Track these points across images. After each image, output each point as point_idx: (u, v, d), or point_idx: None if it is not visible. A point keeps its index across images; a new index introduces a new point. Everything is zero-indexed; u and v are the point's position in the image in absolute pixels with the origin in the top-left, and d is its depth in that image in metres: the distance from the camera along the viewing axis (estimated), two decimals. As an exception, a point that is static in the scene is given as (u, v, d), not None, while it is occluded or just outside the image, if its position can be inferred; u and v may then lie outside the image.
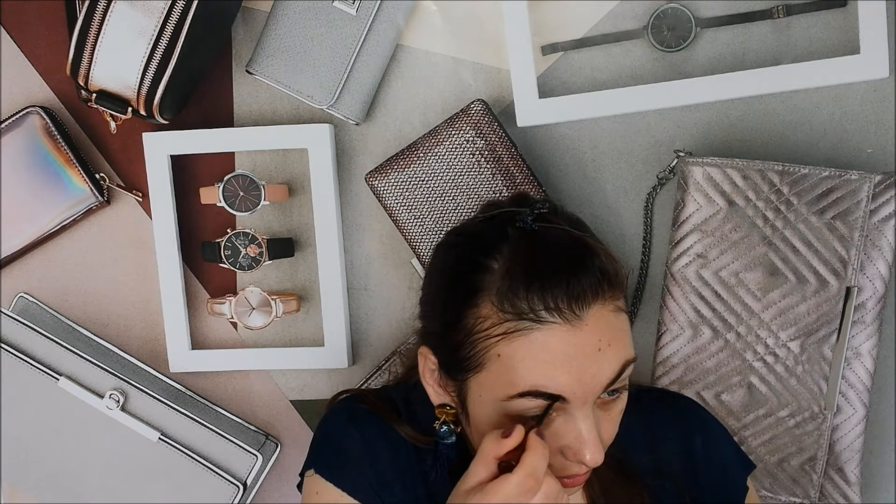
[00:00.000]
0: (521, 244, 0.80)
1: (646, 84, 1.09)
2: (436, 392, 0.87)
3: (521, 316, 0.77)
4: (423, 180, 1.11)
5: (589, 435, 0.79)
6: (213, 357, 1.19)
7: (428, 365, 0.86)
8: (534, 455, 0.76)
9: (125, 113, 1.06)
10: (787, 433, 1.09)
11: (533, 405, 0.78)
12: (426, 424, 0.89)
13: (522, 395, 0.78)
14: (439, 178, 1.11)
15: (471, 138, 1.10)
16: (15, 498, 1.20)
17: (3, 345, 1.12)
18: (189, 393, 1.18)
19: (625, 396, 0.83)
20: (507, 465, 0.78)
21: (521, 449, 0.77)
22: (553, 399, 0.78)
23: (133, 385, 1.13)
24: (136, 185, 1.19)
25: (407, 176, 1.11)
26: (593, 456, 0.79)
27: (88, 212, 1.17)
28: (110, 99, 1.06)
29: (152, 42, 1.03)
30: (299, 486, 0.93)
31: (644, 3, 1.11)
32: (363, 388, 1.14)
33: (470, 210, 1.11)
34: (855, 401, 1.08)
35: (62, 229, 1.18)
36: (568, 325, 0.77)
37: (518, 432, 0.77)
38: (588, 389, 0.78)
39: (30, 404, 1.13)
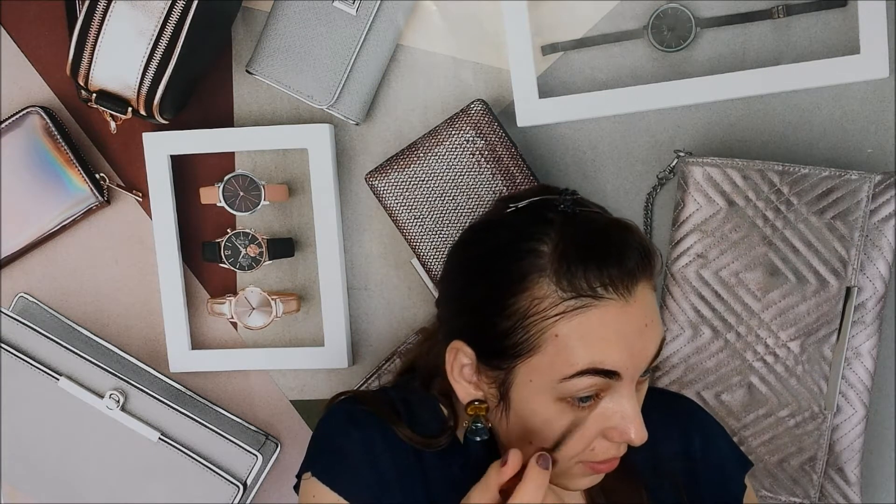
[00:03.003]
0: (567, 226, 0.82)
1: (646, 84, 1.09)
2: (465, 389, 0.86)
3: (581, 293, 0.79)
4: (423, 180, 1.11)
5: (634, 413, 0.81)
6: (213, 357, 1.19)
7: (460, 360, 0.85)
8: (527, 488, 0.77)
9: (125, 113, 1.06)
10: (787, 433, 1.09)
11: (587, 384, 0.80)
12: (425, 426, 0.89)
13: (581, 373, 0.79)
14: (439, 178, 1.11)
15: (471, 138, 1.10)
16: (15, 498, 1.20)
17: (3, 345, 1.12)
18: (189, 393, 1.18)
19: (649, 377, 0.86)
20: (507, 493, 0.78)
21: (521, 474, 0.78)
22: (609, 376, 0.79)
23: (133, 385, 1.13)
24: (136, 185, 1.19)
25: (407, 176, 1.11)
26: (638, 433, 0.81)
27: (88, 212, 1.17)
28: (110, 99, 1.06)
29: (152, 42, 1.03)
30: (296, 488, 0.93)
31: (644, 3, 1.11)
32: (361, 389, 1.14)
33: (470, 210, 1.11)
34: (855, 401, 1.08)
35: (62, 229, 1.18)
36: (623, 301, 0.80)
37: (514, 458, 0.78)
38: (637, 365, 0.81)
39: (30, 404, 1.13)
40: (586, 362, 0.79)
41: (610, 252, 0.80)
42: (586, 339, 0.79)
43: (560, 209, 0.83)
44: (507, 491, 0.78)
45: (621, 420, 0.81)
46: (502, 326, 0.82)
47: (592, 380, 0.79)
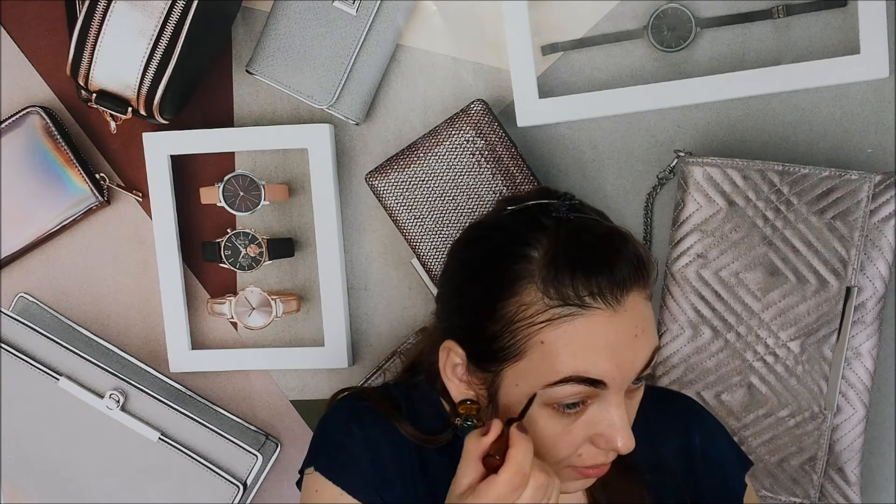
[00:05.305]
0: (559, 233, 0.81)
1: (646, 84, 1.09)
2: (458, 387, 0.86)
3: (567, 302, 0.79)
4: (423, 180, 1.11)
5: (622, 422, 0.81)
6: (213, 357, 1.19)
7: (452, 359, 0.86)
8: (518, 451, 0.77)
9: (125, 113, 1.06)
10: (787, 433, 1.09)
11: (572, 391, 0.79)
12: (427, 423, 0.89)
13: (565, 381, 0.79)
14: (439, 178, 1.11)
15: (471, 138, 1.10)
16: (15, 498, 1.20)
17: (3, 345, 1.12)
18: (189, 393, 1.18)
19: (643, 385, 0.85)
20: (491, 458, 0.78)
21: (503, 443, 0.78)
22: (594, 384, 0.79)
23: (133, 385, 1.13)
24: (136, 185, 1.19)
25: (407, 176, 1.11)
26: (625, 443, 0.81)
27: (88, 212, 1.17)
28: (110, 99, 1.06)
29: (152, 42, 1.03)
30: (298, 484, 0.93)
31: (644, 3, 1.11)
32: (364, 385, 1.14)
33: (470, 210, 1.11)
34: (855, 401, 1.08)
35: (62, 229, 1.18)
36: (610, 311, 0.79)
37: (496, 426, 0.79)
38: (625, 375, 0.80)
39: (30, 404, 1.13)
40: (571, 370, 0.79)
41: (600, 260, 0.80)
42: (572, 348, 0.79)
43: (554, 215, 0.83)
44: (487, 459, 0.78)
45: (608, 428, 0.81)
46: (490, 330, 0.82)
47: (577, 387, 0.79)
